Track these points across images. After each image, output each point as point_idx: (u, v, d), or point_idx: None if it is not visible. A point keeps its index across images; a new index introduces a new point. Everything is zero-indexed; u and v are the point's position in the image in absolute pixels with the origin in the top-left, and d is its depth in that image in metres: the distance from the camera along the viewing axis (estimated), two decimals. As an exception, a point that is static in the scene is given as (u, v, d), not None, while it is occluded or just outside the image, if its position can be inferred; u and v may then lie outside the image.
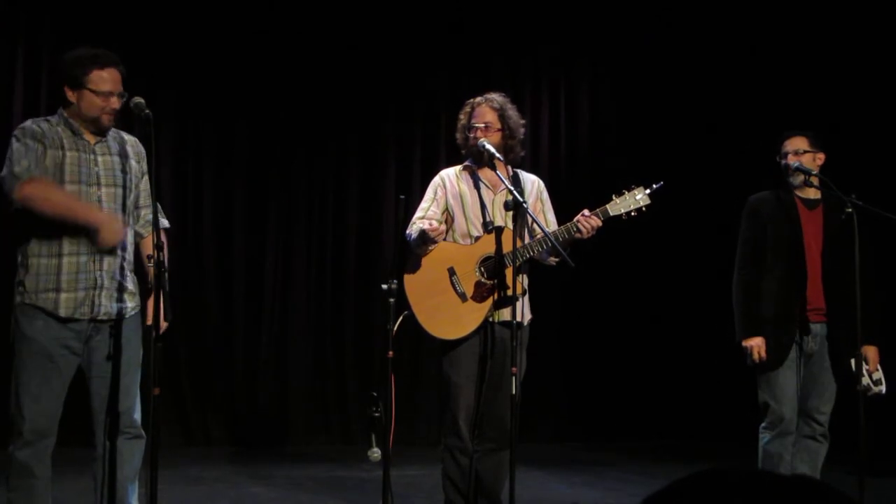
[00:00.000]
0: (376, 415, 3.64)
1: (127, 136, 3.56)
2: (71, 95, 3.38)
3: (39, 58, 6.46)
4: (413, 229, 3.94)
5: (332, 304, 7.09)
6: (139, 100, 3.32)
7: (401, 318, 3.80)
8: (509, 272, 3.76)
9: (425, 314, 3.85)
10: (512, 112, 4.04)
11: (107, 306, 3.39)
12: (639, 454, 6.68)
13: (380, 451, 3.66)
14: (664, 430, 7.26)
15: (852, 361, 4.11)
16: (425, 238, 3.82)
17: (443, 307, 3.85)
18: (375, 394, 3.68)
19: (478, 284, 3.85)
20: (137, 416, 3.45)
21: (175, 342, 6.54)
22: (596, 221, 3.80)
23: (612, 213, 3.85)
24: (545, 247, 3.86)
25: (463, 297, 3.84)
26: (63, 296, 3.31)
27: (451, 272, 3.86)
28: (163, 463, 3.21)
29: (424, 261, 3.90)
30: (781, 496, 1.09)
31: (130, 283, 3.49)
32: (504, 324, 3.82)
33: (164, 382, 3.31)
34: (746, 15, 7.16)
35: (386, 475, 3.60)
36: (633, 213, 3.87)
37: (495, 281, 3.82)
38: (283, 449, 6.68)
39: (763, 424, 4.23)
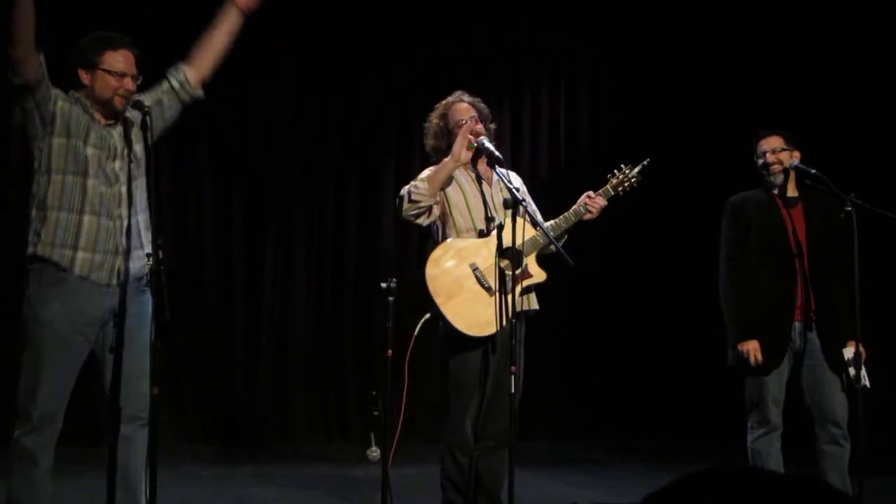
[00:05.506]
0: (376, 414, 3.64)
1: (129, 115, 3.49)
2: (85, 77, 3.37)
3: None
4: (421, 176, 3.97)
5: (332, 302, 7.09)
6: (139, 98, 3.32)
7: (422, 321, 3.82)
8: (529, 260, 3.90)
9: (455, 313, 3.83)
10: (482, 105, 4.15)
11: (133, 268, 3.35)
12: (639, 453, 6.68)
13: (379, 451, 3.66)
14: (664, 429, 7.25)
15: (844, 351, 4.11)
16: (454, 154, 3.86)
17: (472, 304, 3.83)
18: (375, 393, 3.68)
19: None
20: (147, 402, 3.42)
21: (174, 341, 6.53)
22: (602, 201, 4.02)
23: (612, 193, 4.07)
24: (560, 232, 3.99)
25: (490, 291, 3.84)
26: (80, 255, 3.27)
27: (474, 268, 3.86)
28: (162, 461, 3.20)
29: (445, 261, 3.89)
30: (780, 495, 1.09)
31: (147, 244, 3.41)
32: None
33: (164, 381, 3.29)
34: (749, 12, 7.17)
35: (385, 474, 3.60)
36: (627, 189, 4.09)
37: (518, 270, 3.86)
38: (283, 448, 6.68)
39: (750, 423, 4.23)
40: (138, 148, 3.45)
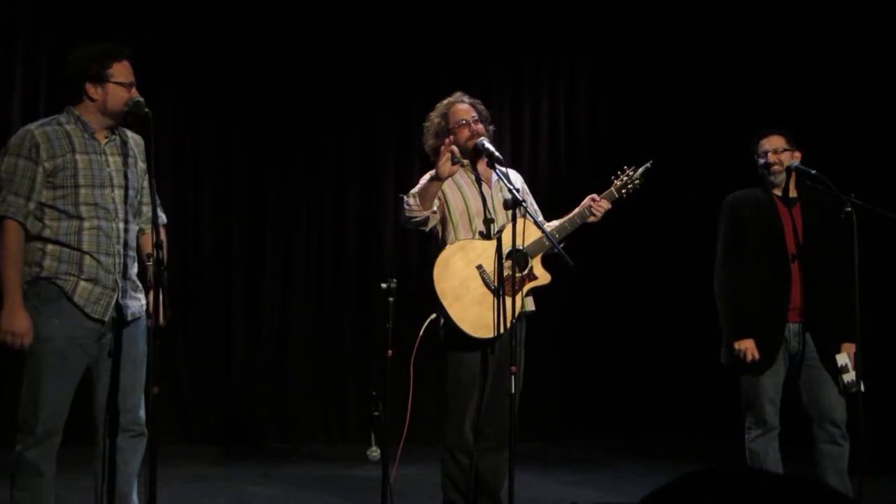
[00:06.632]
0: (376, 414, 3.65)
1: (130, 133, 3.52)
2: (94, 92, 3.33)
3: (39, 58, 6.46)
4: (413, 190, 3.93)
5: (332, 302, 7.09)
6: (138, 98, 3.31)
7: (427, 322, 3.82)
8: (535, 261, 3.90)
9: (461, 315, 3.82)
10: (482, 106, 4.15)
11: (130, 306, 3.39)
12: (639, 453, 6.68)
13: (379, 451, 3.66)
14: (664, 429, 7.26)
15: (837, 357, 4.11)
16: (437, 170, 3.80)
17: (478, 306, 3.82)
18: (375, 393, 3.68)
19: (507, 278, 3.83)
20: (142, 413, 3.44)
21: (174, 340, 6.53)
22: (606, 204, 4.01)
23: (616, 196, 4.05)
24: (565, 234, 3.98)
25: (495, 292, 3.82)
26: (82, 283, 3.28)
27: (481, 269, 3.85)
28: (162, 461, 3.20)
29: (452, 262, 3.87)
30: (778, 495, 1.09)
31: (139, 281, 3.48)
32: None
33: (164, 381, 3.29)
34: (748, 12, 7.17)
35: (385, 474, 3.60)
36: (630, 191, 4.07)
37: (525, 272, 3.88)
38: (283, 447, 6.68)
39: (747, 424, 4.23)
40: (132, 162, 3.45)
